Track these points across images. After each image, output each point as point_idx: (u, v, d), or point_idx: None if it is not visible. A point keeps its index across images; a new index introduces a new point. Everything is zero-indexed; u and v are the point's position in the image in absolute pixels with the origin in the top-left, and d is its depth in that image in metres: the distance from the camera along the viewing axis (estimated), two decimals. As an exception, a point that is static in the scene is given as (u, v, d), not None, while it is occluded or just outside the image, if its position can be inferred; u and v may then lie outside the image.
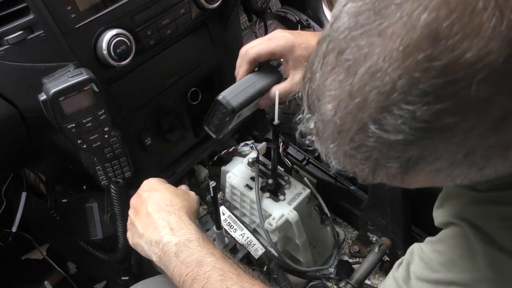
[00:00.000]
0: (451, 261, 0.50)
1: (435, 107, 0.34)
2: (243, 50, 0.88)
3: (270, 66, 0.89)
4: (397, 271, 0.59)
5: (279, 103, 0.86)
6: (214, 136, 0.88)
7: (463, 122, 0.34)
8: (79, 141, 0.80)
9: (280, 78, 0.87)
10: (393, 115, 0.35)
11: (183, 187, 0.92)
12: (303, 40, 0.85)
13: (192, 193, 0.88)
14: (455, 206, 0.53)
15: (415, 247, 0.58)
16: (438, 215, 0.56)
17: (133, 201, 0.84)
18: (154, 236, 0.76)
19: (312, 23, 1.83)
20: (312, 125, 0.44)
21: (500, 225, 0.47)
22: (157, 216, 0.78)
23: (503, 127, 0.34)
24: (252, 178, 1.01)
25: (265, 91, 0.86)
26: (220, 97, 0.82)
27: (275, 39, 0.85)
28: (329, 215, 1.09)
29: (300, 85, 0.87)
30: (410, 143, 0.36)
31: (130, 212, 0.83)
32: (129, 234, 0.82)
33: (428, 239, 0.56)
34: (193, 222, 0.78)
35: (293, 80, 0.86)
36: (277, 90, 0.83)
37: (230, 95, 0.83)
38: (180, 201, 0.81)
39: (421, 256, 0.55)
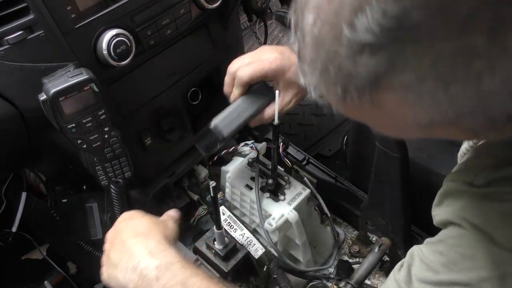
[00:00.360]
0: (452, 261, 0.50)
1: (404, 3, 0.34)
2: (233, 68, 0.88)
3: (264, 85, 0.90)
4: (398, 273, 0.58)
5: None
6: (203, 154, 0.91)
7: (430, 20, 0.34)
8: (79, 141, 0.80)
9: (272, 96, 0.89)
10: (365, 15, 0.35)
11: (171, 212, 0.87)
12: (293, 61, 0.87)
13: (170, 222, 0.83)
14: (454, 205, 0.53)
15: (414, 249, 0.58)
16: (437, 214, 0.56)
17: (109, 235, 0.79)
18: (130, 263, 0.70)
19: (312, 23, 1.82)
20: (296, 47, 0.44)
21: (498, 223, 0.47)
22: (133, 242, 0.73)
23: (469, 29, 0.34)
24: (252, 178, 1.01)
25: (256, 114, 0.89)
26: (211, 125, 0.85)
27: (267, 62, 0.86)
28: (329, 215, 1.09)
29: (290, 105, 0.85)
30: (380, 46, 0.36)
31: (105, 246, 0.78)
32: (103, 270, 0.76)
33: (428, 240, 0.56)
34: (172, 246, 0.74)
35: (283, 101, 0.88)
36: (277, 90, 0.83)
37: (223, 123, 0.85)
38: (158, 228, 0.77)
39: (421, 258, 0.55)
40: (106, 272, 0.75)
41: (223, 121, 0.85)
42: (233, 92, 0.88)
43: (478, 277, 0.48)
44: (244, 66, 0.86)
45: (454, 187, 0.54)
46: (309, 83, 0.43)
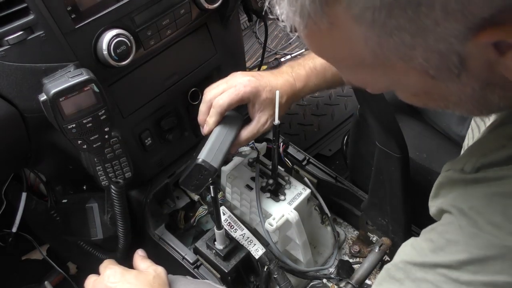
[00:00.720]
0: (439, 247, 0.52)
1: None
2: (208, 97, 0.88)
3: (232, 110, 0.90)
4: (389, 263, 0.60)
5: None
6: (193, 193, 0.89)
7: None
8: (79, 142, 0.80)
9: (242, 119, 0.90)
10: None
11: (140, 251, 0.93)
12: (266, 82, 0.89)
13: (159, 268, 0.86)
14: (448, 195, 0.54)
15: (409, 240, 0.60)
16: (433, 205, 0.58)
17: None
18: None
19: (312, 23, 1.82)
20: None
21: (483, 207, 0.48)
22: None
23: None
24: (252, 178, 1.01)
25: (235, 139, 0.89)
26: (199, 160, 0.83)
27: (242, 85, 0.86)
28: (329, 215, 1.09)
29: (265, 126, 0.88)
30: None
31: None
32: None
33: (423, 230, 0.58)
34: None
35: (259, 122, 0.90)
36: (277, 91, 0.83)
37: (209, 157, 0.83)
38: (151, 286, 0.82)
39: (414, 246, 0.57)
40: None
41: (209, 155, 0.84)
42: (208, 122, 0.87)
43: (460, 259, 0.49)
44: (220, 94, 0.87)
45: (447, 177, 0.55)
46: (281, 13, 0.44)
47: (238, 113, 0.90)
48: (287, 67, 0.94)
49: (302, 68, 0.93)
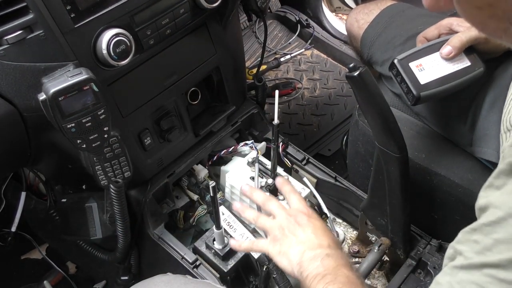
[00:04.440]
0: (486, 247, 0.50)
1: None
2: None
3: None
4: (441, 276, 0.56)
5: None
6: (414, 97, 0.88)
7: None
8: (78, 141, 0.80)
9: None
10: None
11: None
12: None
13: None
14: (503, 186, 0.50)
15: (452, 243, 0.56)
16: (484, 196, 0.53)
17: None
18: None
19: (312, 23, 1.83)
20: None
21: None
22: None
23: None
24: (252, 178, 1.02)
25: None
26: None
27: None
28: (328, 214, 1.09)
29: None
30: None
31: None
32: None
33: (462, 231, 0.54)
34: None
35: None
36: (277, 91, 0.83)
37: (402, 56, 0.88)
38: None
39: (457, 249, 0.54)
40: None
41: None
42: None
43: (508, 258, 0.47)
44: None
45: (510, 163, 0.50)
46: None
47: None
48: None
49: None
